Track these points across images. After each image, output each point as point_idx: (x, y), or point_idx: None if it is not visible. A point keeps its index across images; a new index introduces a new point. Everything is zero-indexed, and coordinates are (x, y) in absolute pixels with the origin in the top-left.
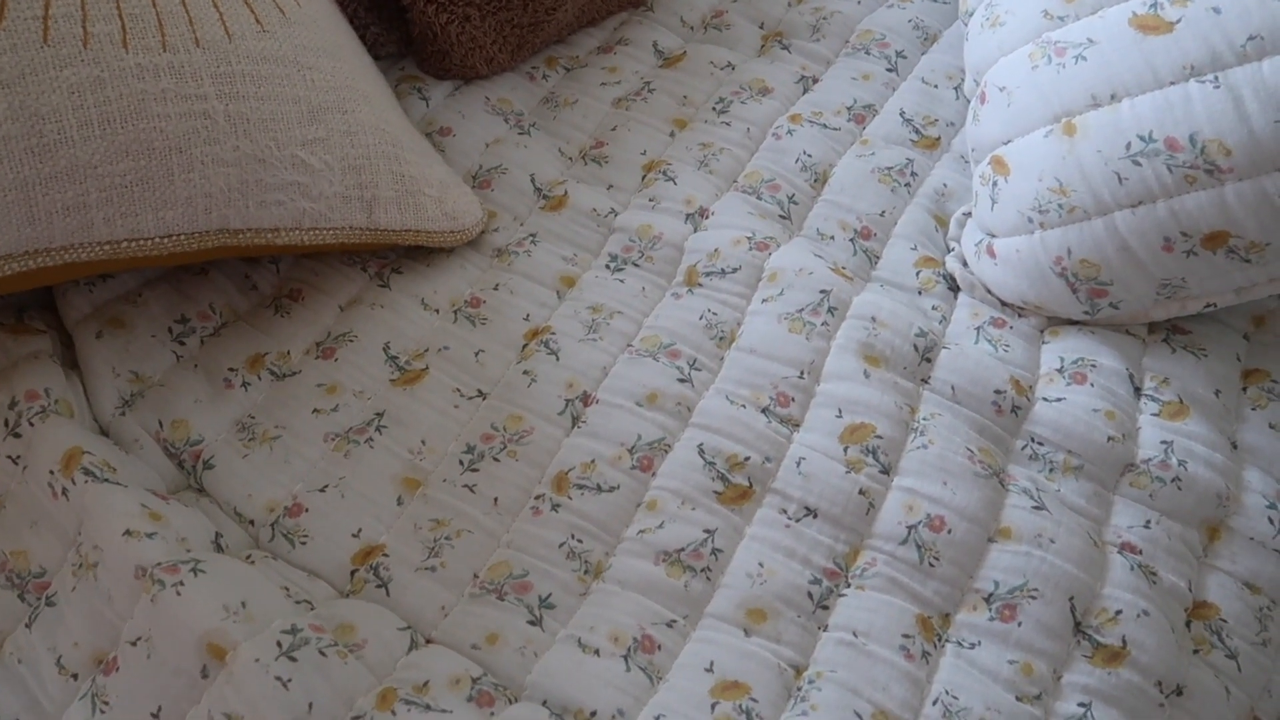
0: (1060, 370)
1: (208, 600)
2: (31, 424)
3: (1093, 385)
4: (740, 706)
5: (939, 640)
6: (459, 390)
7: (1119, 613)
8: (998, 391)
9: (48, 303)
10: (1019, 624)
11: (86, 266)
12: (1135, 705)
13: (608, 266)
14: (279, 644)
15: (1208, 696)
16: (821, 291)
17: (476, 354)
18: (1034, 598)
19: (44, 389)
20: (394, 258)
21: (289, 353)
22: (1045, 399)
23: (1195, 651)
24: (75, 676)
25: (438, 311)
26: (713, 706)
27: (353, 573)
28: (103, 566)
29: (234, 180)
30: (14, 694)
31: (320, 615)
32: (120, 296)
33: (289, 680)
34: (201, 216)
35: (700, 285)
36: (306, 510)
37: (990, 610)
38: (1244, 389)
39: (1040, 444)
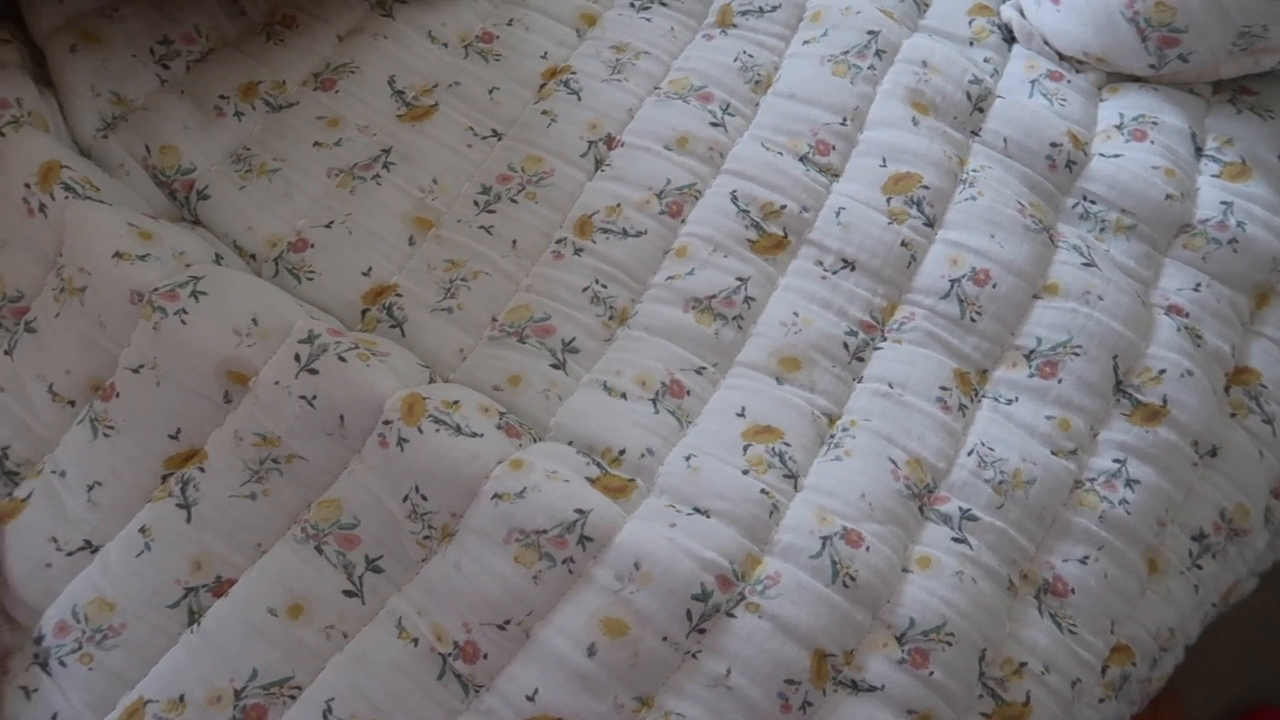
0: (1119, 126)
1: (216, 326)
2: (2, 134)
3: (1153, 142)
4: (773, 449)
5: (975, 395)
6: (472, 129)
7: (1162, 372)
8: (1053, 144)
9: (12, 14)
10: (1059, 381)
11: None
12: (1169, 463)
13: (632, 4)
14: (297, 357)
15: (1241, 457)
16: (869, 33)
17: (490, 91)
18: (1077, 354)
19: (15, 98)
20: None
21: (284, 82)
22: (1102, 154)
23: (1232, 415)
24: (72, 403)
25: (446, 45)
26: (745, 448)
27: (364, 312)
28: (91, 290)
29: None
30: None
31: (336, 325)
32: (95, 10)
33: (314, 398)
34: None
35: (735, 26)
36: (312, 246)
37: (1030, 367)
38: None
39: (1093, 202)
